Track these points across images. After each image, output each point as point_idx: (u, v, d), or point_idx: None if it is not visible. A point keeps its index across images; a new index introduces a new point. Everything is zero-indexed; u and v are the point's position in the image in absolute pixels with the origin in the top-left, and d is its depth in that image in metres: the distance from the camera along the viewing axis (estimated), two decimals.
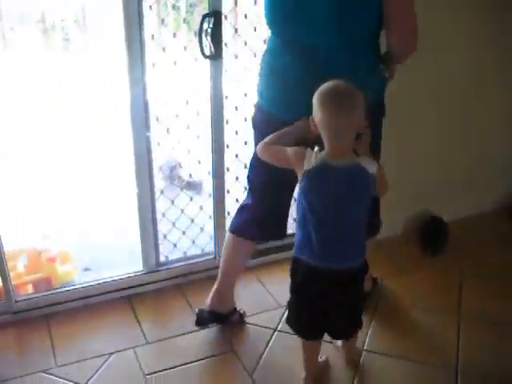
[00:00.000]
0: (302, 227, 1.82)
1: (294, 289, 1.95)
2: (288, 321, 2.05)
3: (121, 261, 2.72)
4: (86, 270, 2.73)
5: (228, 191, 2.65)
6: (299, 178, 1.76)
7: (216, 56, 2.28)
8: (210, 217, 2.67)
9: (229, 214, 2.68)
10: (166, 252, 2.66)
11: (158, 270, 2.60)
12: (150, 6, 2.28)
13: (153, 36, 2.32)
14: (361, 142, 1.76)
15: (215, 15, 2.22)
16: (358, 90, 1.66)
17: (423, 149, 2.96)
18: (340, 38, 1.83)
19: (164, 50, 2.39)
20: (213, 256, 2.69)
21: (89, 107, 4.79)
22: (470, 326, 2.41)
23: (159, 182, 2.65)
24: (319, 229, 1.78)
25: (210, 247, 2.71)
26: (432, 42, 2.67)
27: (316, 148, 1.74)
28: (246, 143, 2.64)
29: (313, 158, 1.71)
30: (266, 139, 1.86)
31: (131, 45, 2.19)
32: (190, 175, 2.71)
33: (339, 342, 2.22)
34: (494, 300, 2.57)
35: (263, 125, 2.00)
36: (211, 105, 2.39)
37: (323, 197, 1.75)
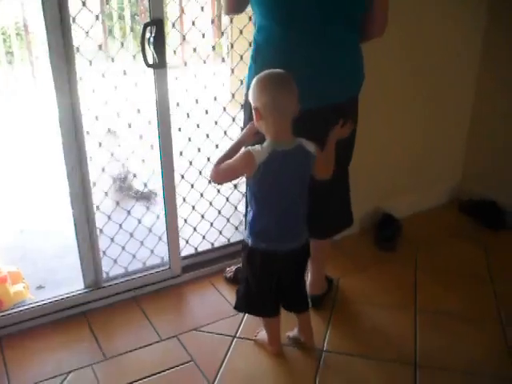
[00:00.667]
0: (259, 217, 1.94)
1: (251, 277, 2.06)
2: (238, 306, 2.20)
3: (73, 276, 2.64)
4: (40, 288, 2.67)
5: (184, 199, 2.63)
6: (250, 175, 1.86)
7: (160, 65, 2.27)
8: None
9: (186, 221, 2.66)
10: (125, 264, 2.62)
11: (111, 285, 2.55)
12: (97, 16, 2.26)
13: (100, 46, 2.30)
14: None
15: (157, 24, 2.21)
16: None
17: (372, 146, 2.98)
18: (346, 25, 2.00)
19: (113, 59, 2.36)
20: (167, 266, 2.66)
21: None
22: (426, 319, 2.45)
23: (113, 194, 2.61)
24: (279, 213, 1.93)
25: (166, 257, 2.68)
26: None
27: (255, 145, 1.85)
28: (199, 150, 2.64)
29: (261, 150, 1.82)
30: (215, 163, 1.92)
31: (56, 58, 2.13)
32: (145, 185, 2.67)
33: (295, 331, 2.30)
34: (449, 292, 2.63)
35: None
36: (157, 113, 2.37)
37: (279, 181, 1.88)
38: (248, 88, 1.94)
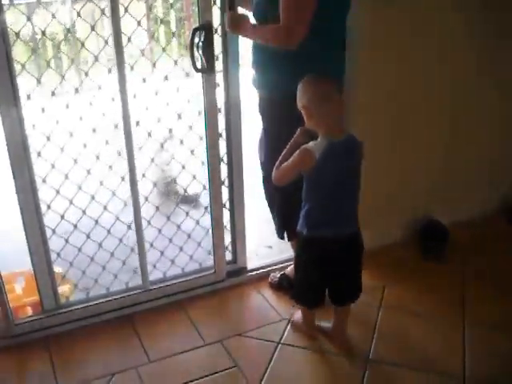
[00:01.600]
0: (318, 208, 2.08)
1: (306, 265, 2.18)
2: (295, 296, 2.31)
3: (119, 277, 2.69)
4: (84, 289, 2.70)
5: (224, 205, 2.63)
6: (310, 171, 2.00)
7: (208, 70, 2.27)
8: (208, 231, 2.64)
9: (225, 227, 2.66)
10: (164, 268, 2.62)
11: (157, 288, 2.57)
12: (139, 22, 2.27)
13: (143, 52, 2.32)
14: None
15: (206, 28, 2.21)
16: None
17: (420, 153, 2.95)
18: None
19: (155, 65, 2.36)
20: (212, 271, 2.66)
21: None
22: (475, 333, 2.38)
23: (154, 198, 2.61)
24: (337, 201, 2.07)
25: (210, 261, 2.68)
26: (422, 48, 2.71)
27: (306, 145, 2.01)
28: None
29: (316, 146, 1.98)
30: (275, 168, 2.11)
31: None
32: (185, 190, 2.68)
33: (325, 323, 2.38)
34: (498, 307, 2.54)
35: None
36: (206, 118, 2.38)
37: (337, 171, 2.02)
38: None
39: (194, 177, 2.59)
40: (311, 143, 2.00)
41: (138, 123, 2.32)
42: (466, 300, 2.58)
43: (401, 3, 2.56)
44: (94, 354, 2.29)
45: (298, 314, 2.41)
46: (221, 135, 2.49)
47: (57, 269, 2.53)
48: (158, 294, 2.56)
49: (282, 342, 2.33)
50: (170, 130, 2.47)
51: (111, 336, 2.39)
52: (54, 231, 2.38)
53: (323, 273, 2.17)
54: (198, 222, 2.67)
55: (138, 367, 2.20)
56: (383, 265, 2.85)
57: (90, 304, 2.46)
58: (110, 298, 2.49)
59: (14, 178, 2.18)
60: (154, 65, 2.35)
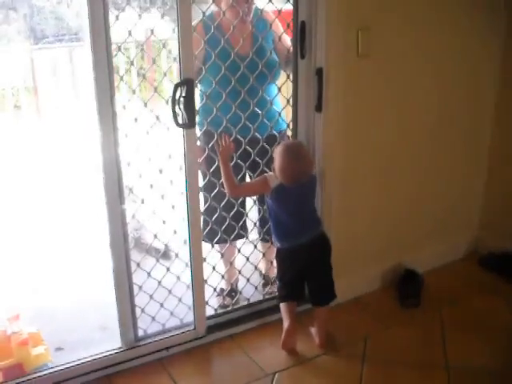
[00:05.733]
0: (278, 225, 2.52)
1: (282, 271, 2.60)
2: (279, 298, 2.66)
3: (93, 337, 2.63)
4: (58, 349, 2.60)
5: (205, 259, 2.60)
6: (267, 195, 2.46)
7: (189, 124, 2.28)
8: (188, 286, 2.59)
9: (206, 281, 2.62)
10: (144, 326, 2.55)
11: (138, 346, 2.49)
12: (122, 77, 2.28)
13: (124, 106, 2.31)
14: None
15: (187, 83, 2.23)
16: None
17: (390, 203, 3.01)
18: None
19: (136, 120, 2.36)
20: (192, 327, 2.61)
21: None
22: (460, 377, 2.38)
23: (135, 254, 2.56)
24: (292, 219, 2.46)
25: (189, 317, 2.62)
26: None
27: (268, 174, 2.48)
28: None
29: (274, 177, 2.41)
30: (233, 185, 2.47)
31: (103, 117, 2.16)
32: (166, 245, 2.65)
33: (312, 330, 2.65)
34: (480, 348, 2.57)
35: None
36: (186, 173, 2.37)
37: (290, 198, 2.44)
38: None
39: (175, 231, 2.56)
40: (272, 174, 2.44)
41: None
42: (448, 347, 2.59)
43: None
44: None
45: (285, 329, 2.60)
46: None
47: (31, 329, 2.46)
48: (138, 353, 2.49)
49: None
50: (151, 186, 2.45)
51: None
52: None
53: (296, 274, 2.54)
54: (178, 278, 2.62)
55: None
56: (362, 315, 2.85)
57: (67, 367, 2.36)
58: (88, 359, 2.40)
59: None
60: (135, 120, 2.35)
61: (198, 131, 2.45)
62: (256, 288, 2.88)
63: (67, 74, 6.31)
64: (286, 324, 2.57)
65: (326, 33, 2.47)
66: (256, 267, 2.89)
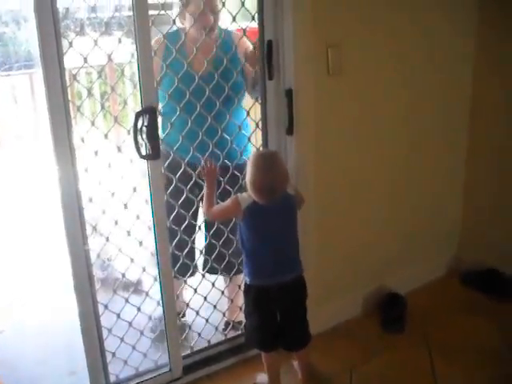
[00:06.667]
0: (251, 258, 2.24)
1: (251, 311, 2.30)
2: (247, 341, 2.46)
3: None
4: None
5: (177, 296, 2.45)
6: (240, 218, 2.20)
7: (153, 155, 2.13)
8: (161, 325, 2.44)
9: (179, 320, 2.47)
10: (116, 370, 2.38)
11: None
12: (79, 107, 2.13)
13: (83, 139, 2.16)
14: None
15: (149, 112, 2.09)
16: None
17: (367, 227, 2.90)
18: None
19: (96, 153, 2.21)
20: (168, 369, 2.45)
21: None
22: None
23: (101, 295, 2.39)
24: (267, 251, 2.20)
25: (164, 359, 2.46)
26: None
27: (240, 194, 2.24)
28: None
29: (246, 197, 2.18)
30: (210, 206, 2.29)
31: (60, 151, 1.99)
32: (135, 283, 2.50)
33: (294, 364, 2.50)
34: (469, 370, 2.48)
35: None
36: (152, 206, 2.22)
37: (264, 222, 2.20)
38: None
39: (144, 269, 2.41)
40: (244, 194, 2.21)
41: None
42: (438, 372, 2.48)
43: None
44: None
45: (261, 376, 2.46)
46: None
47: None
48: None
49: None
50: (116, 222, 2.30)
51: None
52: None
53: (268, 316, 2.28)
54: (150, 318, 2.48)
55: None
56: (346, 343, 2.72)
57: None
58: None
59: None
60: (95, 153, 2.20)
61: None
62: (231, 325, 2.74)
63: (28, 101, 6.13)
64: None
65: (294, 52, 2.36)
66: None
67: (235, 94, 2.51)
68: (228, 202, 2.23)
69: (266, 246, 2.21)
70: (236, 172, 2.52)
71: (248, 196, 2.17)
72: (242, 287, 2.36)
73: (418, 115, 2.92)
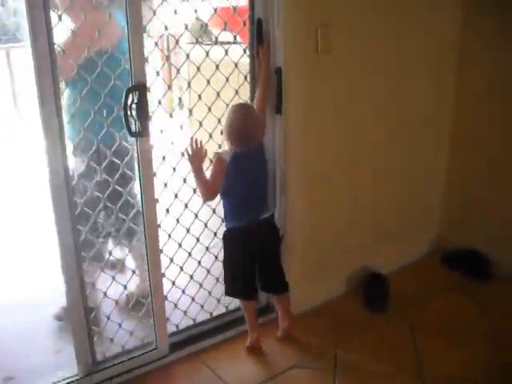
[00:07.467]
0: (235, 205, 2.42)
1: (234, 257, 2.46)
2: (227, 292, 2.55)
3: (47, 363, 2.45)
4: (8, 379, 2.40)
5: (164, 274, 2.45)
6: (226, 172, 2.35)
7: (143, 133, 2.11)
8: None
9: (166, 298, 2.48)
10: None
11: (96, 372, 2.32)
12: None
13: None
14: None
15: (140, 89, 2.06)
16: None
17: (350, 206, 2.92)
18: None
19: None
20: (154, 346, 2.45)
21: None
22: (436, 379, 2.34)
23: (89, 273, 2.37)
24: (249, 194, 2.41)
25: (151, 336, 2.47)
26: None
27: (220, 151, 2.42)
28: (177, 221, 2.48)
29: (227, 151, 2.35)
30: (206, 183, 2.34)
31: (49, 128, 1.97)
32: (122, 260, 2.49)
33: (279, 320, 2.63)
34: (454, 352, 2.52)
35: None
36: (141, 187, 2.21)
37: (246, 169, 2.37)
38: None
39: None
40: (222, 150, 2.39)
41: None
42: (422, 354, 2.51)
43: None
44: None
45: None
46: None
47: None
48: (97, 379, 2.31)
49: None
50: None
51: None
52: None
53: (251, 261, 2.46)
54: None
55: None
56: (330, 323, 2.75)
57: None
58: None
59: None
60: None
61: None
62: (219, 301, 2.73)
63: (5, 78, 5.98)
64: (251, 332, 2.56)
65: (284, 30, 2.35)
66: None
67: None
68: (213, 165, 2.36)
69: (251, 188, 2.42)
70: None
71: (228, 150, 2.36)
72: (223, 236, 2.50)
73: (405, 92, 2.95)
